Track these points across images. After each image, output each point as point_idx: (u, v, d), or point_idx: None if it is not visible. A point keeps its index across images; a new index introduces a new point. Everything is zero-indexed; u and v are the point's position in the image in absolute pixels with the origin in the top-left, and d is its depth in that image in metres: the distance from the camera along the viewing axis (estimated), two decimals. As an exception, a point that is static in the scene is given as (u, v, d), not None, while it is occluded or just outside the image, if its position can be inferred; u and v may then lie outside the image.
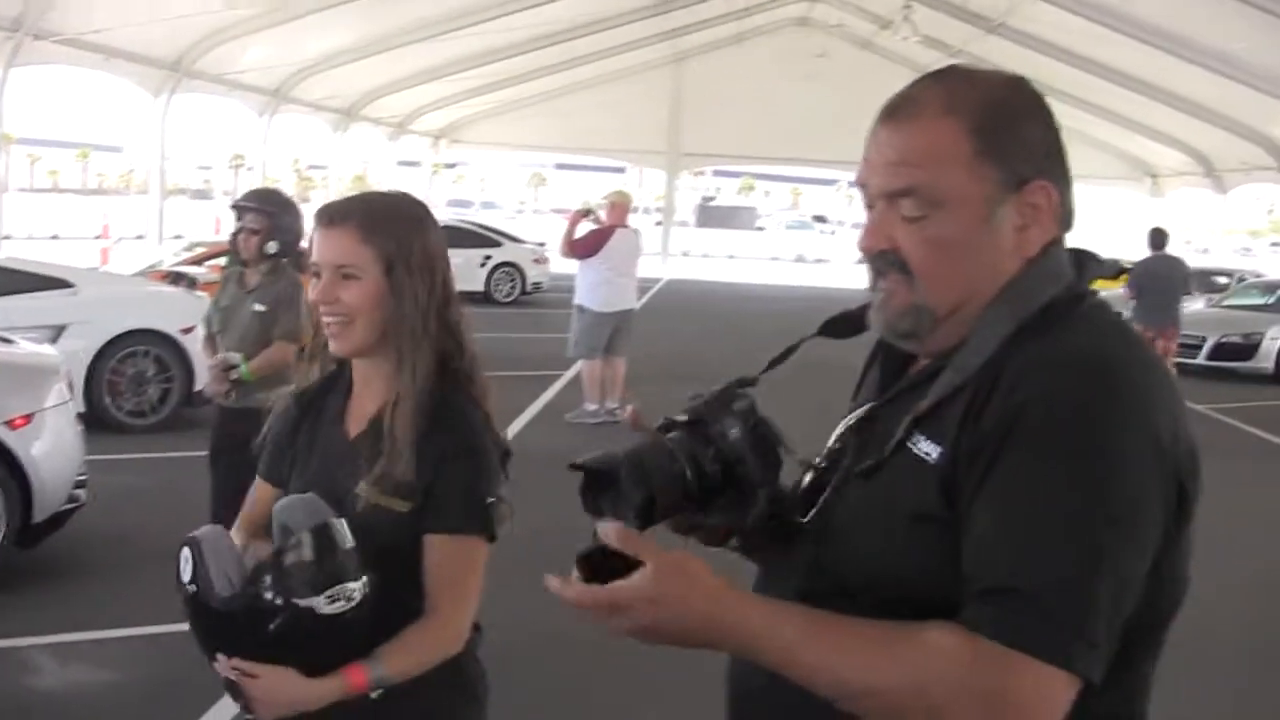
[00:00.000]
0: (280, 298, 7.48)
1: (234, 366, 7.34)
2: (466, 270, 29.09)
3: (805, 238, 71.57)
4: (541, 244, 33.48)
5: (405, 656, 2.94)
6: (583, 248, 14.48)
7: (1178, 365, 21.77)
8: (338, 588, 2.75)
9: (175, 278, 17.08)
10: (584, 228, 14.72)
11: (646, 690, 7.10)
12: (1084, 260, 2.04)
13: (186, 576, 2.85)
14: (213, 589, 2.82)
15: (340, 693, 2.86)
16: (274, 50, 26.66)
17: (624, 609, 1.75)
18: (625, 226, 14.85)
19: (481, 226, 33.93)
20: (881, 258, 2.01)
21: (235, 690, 2.88)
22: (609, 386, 14.66)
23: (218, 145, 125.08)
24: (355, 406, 3.16)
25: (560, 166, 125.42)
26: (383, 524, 2.94)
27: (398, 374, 3.01)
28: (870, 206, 2.04)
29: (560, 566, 1.85)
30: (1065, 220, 2.03)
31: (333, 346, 3.08)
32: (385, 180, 44.75)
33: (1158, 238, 18.77)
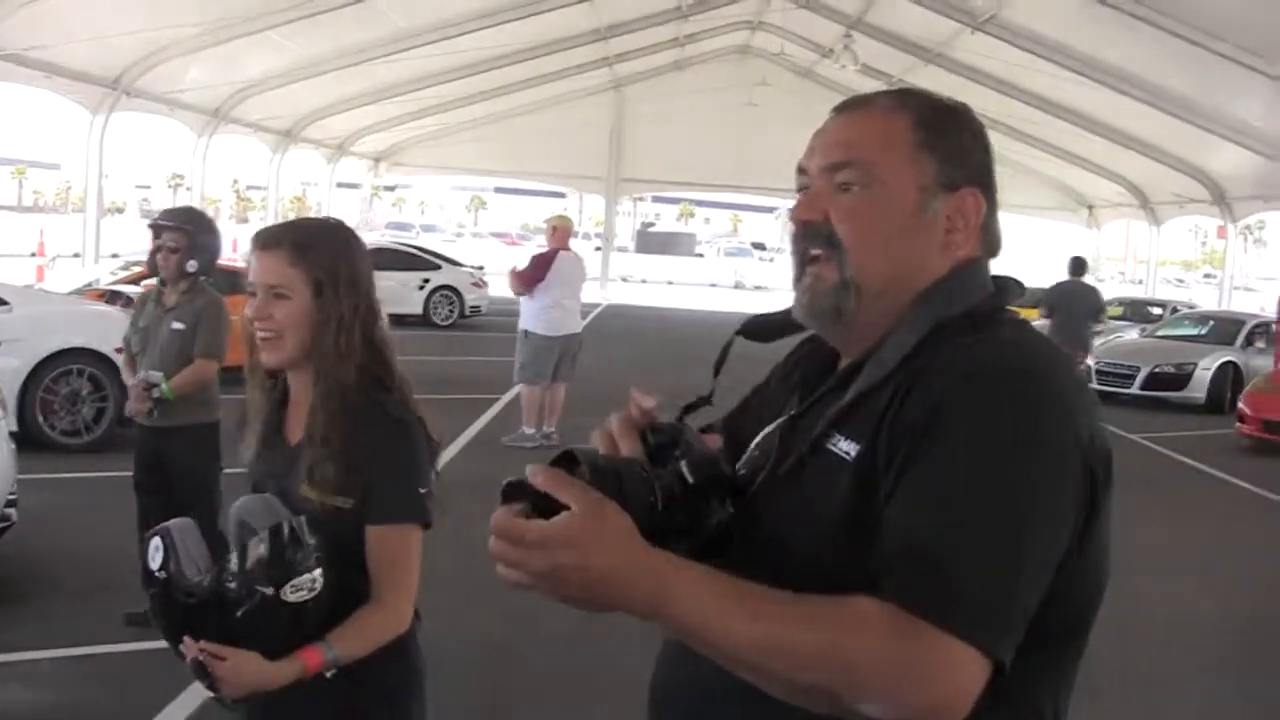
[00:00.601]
0: (199, 315, 7.50)
1: (155, 385, 7.33)
2: (405, 293, 29.05)
3: (744, 264, 71.72)
4: (480, 268, 33.44)
5: (355, 639, 3.19)
6: (531, 277, 14.42)
7: (1111, 395, 22.13)
8: (301, 578, 2.98)
9: (111, 296, 16.92)
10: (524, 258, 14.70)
11: (579, 704, 7.12)
12: (1006, 283, 2.11)
13: (156, 564, 3.04)
14: (184, 576, 3.02)
15: (299, 673, 3.09)
16: (214, 70, 26.51)
17: (536, 547, 1.68)
18: (567, 250, 14.83)
19: (420, 250, 33.91)
20: (812, 231, 2.06)
21: (202, 671, 3.04)
22: (548, 412, 14.64)
23: (157, 164, 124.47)
24: (292, 416, 3.44)
25: (500, 190, 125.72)
26: (328, 520, 3.13)
27: (318, 385, 3.28)
28: (805, 189, 2.11)
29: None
30: (992, 245, 2.11)
31: (263, 358, 3.35)
32: (325, 202, 44.53)
33: (1077, 265, 19.66)
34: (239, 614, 2.96)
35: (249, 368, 3.44)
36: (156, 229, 7.60)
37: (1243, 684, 8.34)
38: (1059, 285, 19.32)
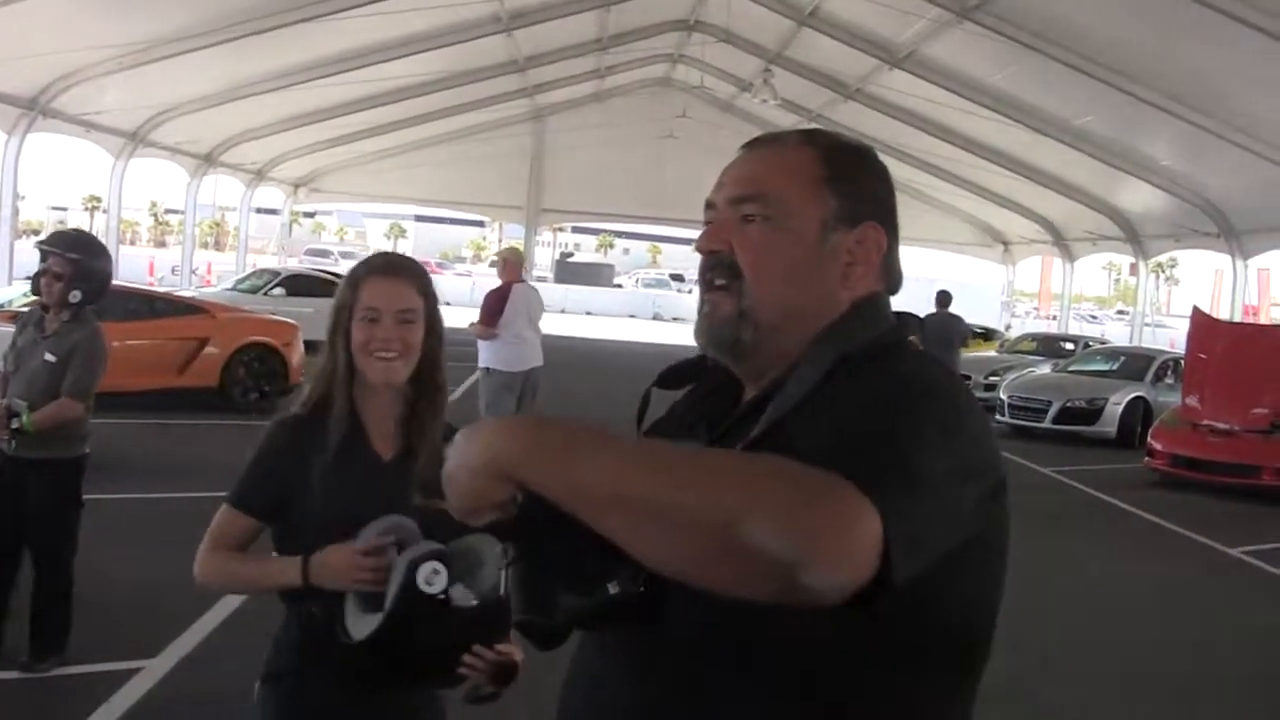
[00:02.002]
0: (74, 349, 7.12)
1: (16, 415, 6.91)
2: (320, 320, 28.35)
3: (663, 296, 71.77)
4: (399, 295, 33.25)
5: None
6: (488, 314, 14.09)
7: (1023, 429, 22.46)
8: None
9: (24, 319, 16.72)
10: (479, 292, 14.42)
11: None
12: (906, 318, 2.16)
13: (438, 588, 3.16)
14: (494, 591, 3.13)
15: None
16: (132, 92, 26.27)
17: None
18: (521, 282, 14.56)
19: (338, 276, 33.66)
20: (716, 261, 2.10)
21: (509, 672, 3.30)
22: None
23: (73, 186, 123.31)
24: (378, 433, 3.61)
25: (420, 219, 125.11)
26: (438, 526, 3.23)
27: (421, 400, 3.60)
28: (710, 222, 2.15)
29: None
30: (893, 281, 2.16)
31: (386, 378, 3.54)
32: (244, 227, 44.19)
33: (943, 298, 21.04)
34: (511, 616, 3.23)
35: (338, 387, 3.57)
36: (42, 252, 7.23)
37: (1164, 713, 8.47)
38: (928, 316, 20.54)
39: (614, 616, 1.84)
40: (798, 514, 1.56)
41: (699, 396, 2.30)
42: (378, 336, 3.50)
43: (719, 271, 2.09)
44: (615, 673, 2.02)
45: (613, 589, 1.81)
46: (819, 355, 1.99)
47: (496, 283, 14.68)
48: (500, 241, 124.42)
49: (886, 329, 2.09)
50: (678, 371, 2.31)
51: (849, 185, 2.09)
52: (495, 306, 14.04)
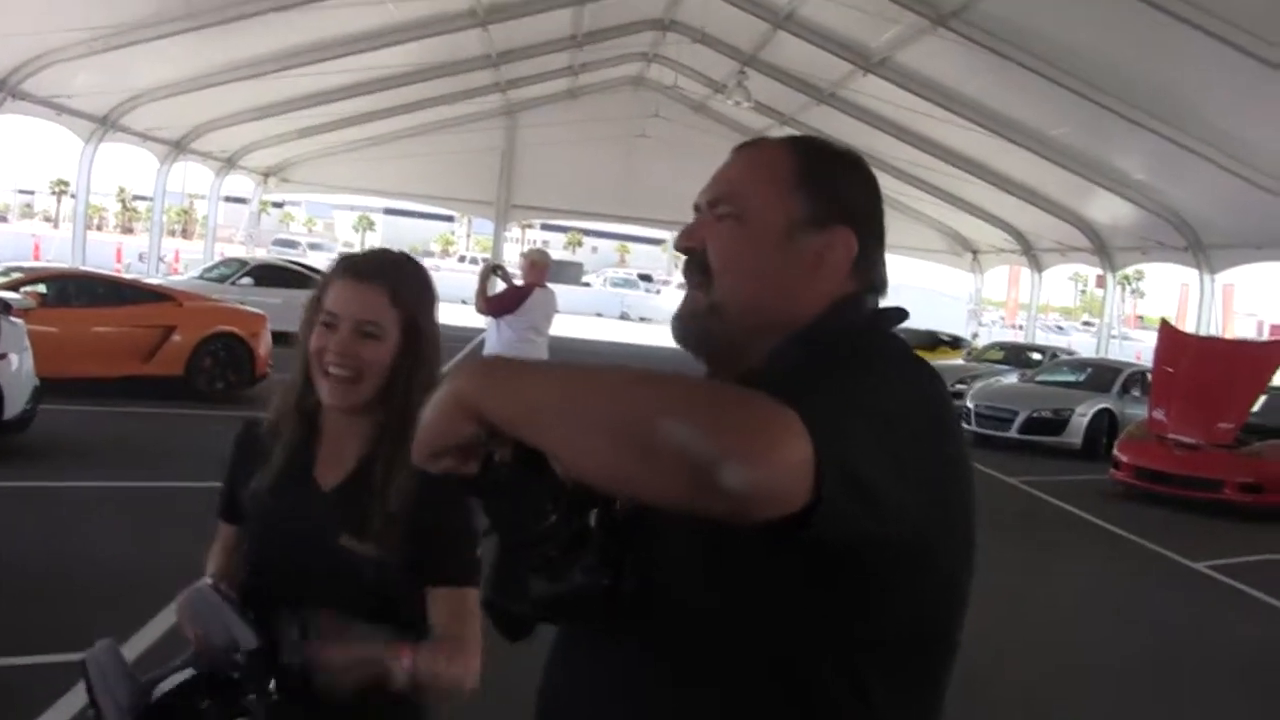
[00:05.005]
0: None
1: None
2: (288, 311, 28.55)
3: (630, 295, 71.90)
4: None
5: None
6: (500, 304, 14.00)
7: (989, 438, 22.51)
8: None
9: (-11, 303, 16.63)
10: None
11: None
12: (886, 311, 2.14)
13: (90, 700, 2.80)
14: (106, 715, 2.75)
15: None
16: (104, 76, 26.07)
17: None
18: (543, 287, 14.47)
19: (307, 268, 33.62)
20: (692, 260, 2.13)
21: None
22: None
23: (41, 169, 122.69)
24: (327, 457, 3.11)
25: (389, 212, 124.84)
26: (366, 571, 2.93)
27: (386, 434, 2.98)
28: None
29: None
30: (873, 283, 2.15)
31: (333, 399, 3.03)
32: (212, 215, 43.99)
33: None
34: None
35: (295, 398, 3.12)
36: None
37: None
38: None
39: (577, 607, 1.87)
40: (714, 412, 1.60)
41: None
42: (330, 347, 3.00)
43: (693, 269, 2.13)
44: (590, 666, 2.03)
45: (579, 577, 1.83)
46: (784, 352, 2.01)
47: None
48: (469, 236, 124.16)
49: (860, 323, 2.10)
50: None
51: (821, 189, 2.10)
52: (509, 303, 13.94)
